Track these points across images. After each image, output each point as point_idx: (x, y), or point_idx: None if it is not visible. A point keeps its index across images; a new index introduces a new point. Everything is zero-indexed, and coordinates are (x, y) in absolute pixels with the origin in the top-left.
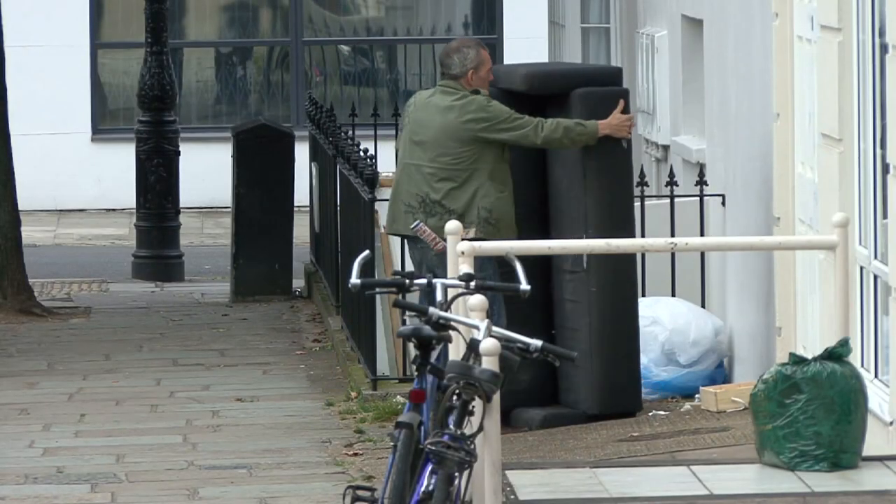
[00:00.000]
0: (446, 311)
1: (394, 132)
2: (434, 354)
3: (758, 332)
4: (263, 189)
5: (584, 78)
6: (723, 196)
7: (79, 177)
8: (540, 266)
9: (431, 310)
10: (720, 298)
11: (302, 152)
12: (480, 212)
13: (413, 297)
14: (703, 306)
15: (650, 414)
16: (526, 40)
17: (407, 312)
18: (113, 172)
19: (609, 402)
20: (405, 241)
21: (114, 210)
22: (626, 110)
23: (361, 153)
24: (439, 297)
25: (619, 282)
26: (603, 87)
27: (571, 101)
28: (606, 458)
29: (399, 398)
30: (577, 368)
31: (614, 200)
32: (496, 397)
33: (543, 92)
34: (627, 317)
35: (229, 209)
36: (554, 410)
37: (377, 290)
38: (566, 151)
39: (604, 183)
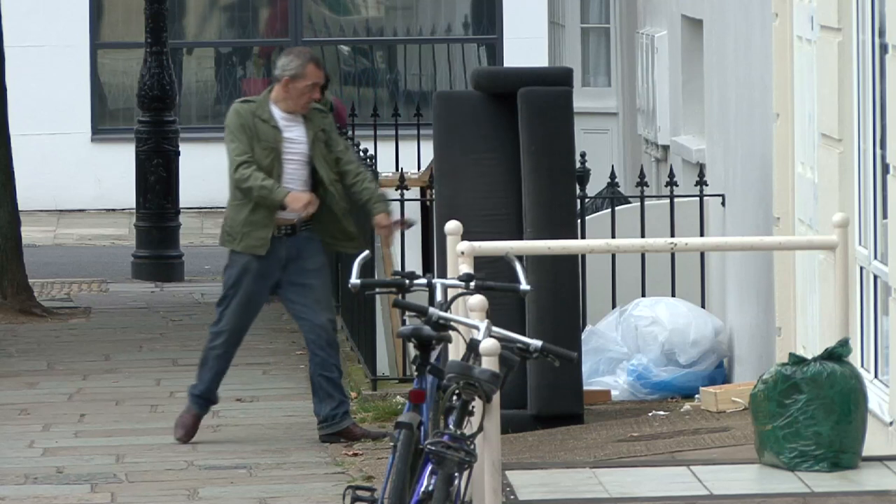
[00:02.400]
0: (446, 311)
1: (394, 132)
2: (434, 354)
3: (758, 332)
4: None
5: (532, 78)
6: (723, 196)
7: (79, 177)
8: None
9: (431, 310)
10: (720, 298)
11: None
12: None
13: (413, 297)
14: (703, 306)
15: (650, 414)
16: (526, 40)
17: (407, 312)
18: (113, 172)
19: (550, 403)
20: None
21: (114, 210)
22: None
23: (361, 153)
24: (439, 297)
25: (559, 282)
26: (547, 87)
27: (518, 100)
28: (606, 458)
29: (399, 398)
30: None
31: (553, 200)
32: (496, 397)
33: (490, 91)
34: (568, 316)
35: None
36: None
37: (377, 290)
38: (527, 155)
39: (543, 184)
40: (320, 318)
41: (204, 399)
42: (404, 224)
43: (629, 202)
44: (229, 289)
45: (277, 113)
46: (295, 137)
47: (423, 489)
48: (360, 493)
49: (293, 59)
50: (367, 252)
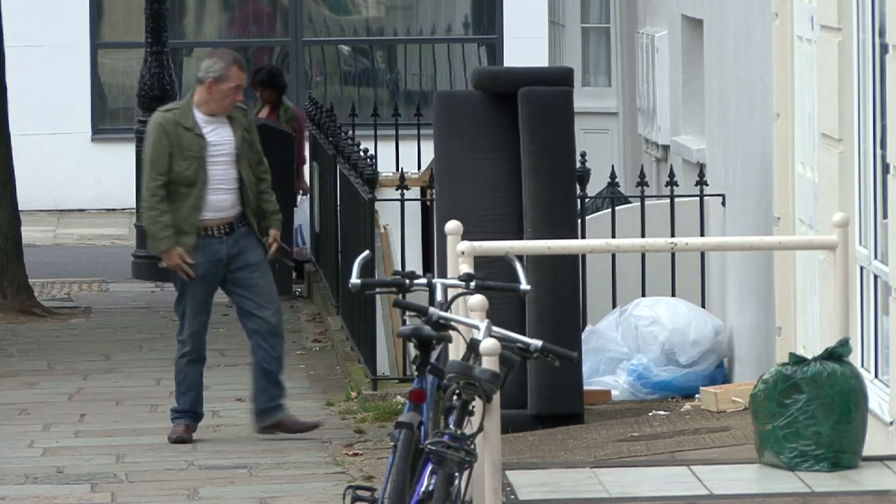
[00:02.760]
0: (446, 310)
1: (394, 132)
2: (434, 354)
3: (758, 332)
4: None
5: (533, 78)
6: (723, 196)
7: (79, 177)
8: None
9: (431, 310)
10: (720, 298)
11: None
12: None
13: (413, 297)
14: (703, 306)
15: (650, 414)
16: (526, 40)
17: (407, 312)
18: (113, 172)
19: (551, 403)
20: None
21: (114, 210)
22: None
23: (361, 153)
24: (439, 297)
25: (560, 282)
26: (548, 87)
27: (518, 100)
28: (606, 458)
29: (399, 398)
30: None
31: (553, 200)
32: (496, 397)
33: (490, 91)
34: (568, 316)
35: None
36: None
37: (377, 290)
38: (528, 154)
39: (543, 183)
40: (264, 311)
41: (191, 413)
42: (279, 250)
43: (629, 202)
44: (179, 293)
45: (200, 118)
46: (220, 140)
47: (423, 489)
48: (360, 493)
49: (217, 62)
50: (367, 252)
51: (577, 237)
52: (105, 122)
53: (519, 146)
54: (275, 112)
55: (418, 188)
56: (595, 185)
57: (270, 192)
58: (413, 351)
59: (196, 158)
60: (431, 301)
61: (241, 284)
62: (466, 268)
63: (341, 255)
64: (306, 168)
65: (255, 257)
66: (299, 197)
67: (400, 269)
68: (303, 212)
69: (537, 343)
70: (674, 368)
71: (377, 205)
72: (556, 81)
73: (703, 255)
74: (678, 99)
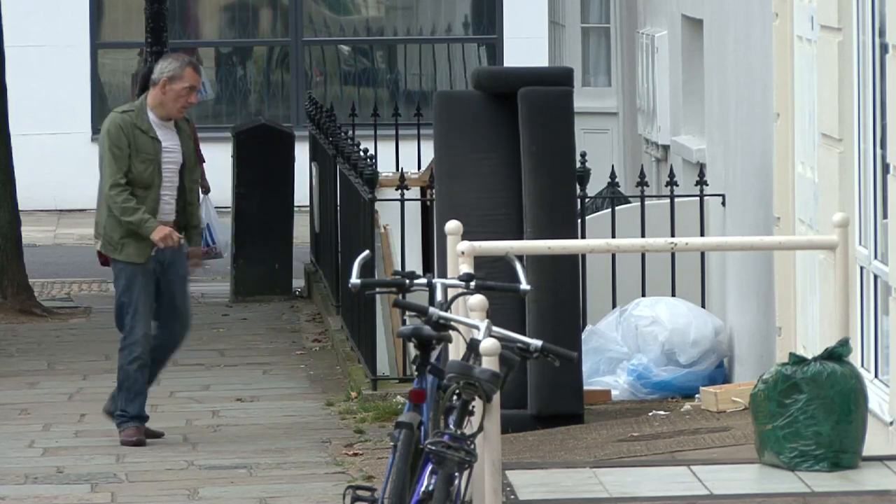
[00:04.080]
0: (446, 310)
1: (394, 132)
2: (434, 354)
3: (758, 332)
4: (263, 189)
5: (533, 78)
6: (723, 196)
7: (79, 177)
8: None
9: (431, 310)
10: (720, 298)
11: (302, 152)
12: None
13: (413, 297)
14: (703, 306)
15: (650, 414)
16: (526, 40)
17: (407, 312)
18: None
19: (550, 403)
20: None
21: None
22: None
23: (361, 153)
24: (439, 297)
25: (560, 282)
26: (548, 87)
27: (518, 100)
28: (606, 458)
29: (399, 398)
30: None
31: (553, 200)
32: (496, 397)
33: (490, 91)
34: (568, 316)
35: (229, 209)
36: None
37: (377, 290)
38: (528, 154)
39: (543, 183)
40: (177, 327)
41: (139, 418)
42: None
43: (629, 202)
44: (124, 296)
45: (154, 121)
46: (170, 146)
47: (423, 489)
48: (360, 493)
49: (172, 62)
50: (367, 252)
51: (577, 237)
52: None
53: (519, 146)
54: None
55: (418, 188)
56: (595, 185)
57: (196, 204)
58: (413, 351)
59: (152, 161)
60: (431, 301)
61: (167, 295)
62: (466, 268)
63: (341, 255)
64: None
65: (182, 270)
66: (201, 196)
67: (400, 269)
68: (207, 211)
69: (537, 343)
70: (674, 368)
71: (377, 205)
72: (556, 81)
73: (703, 255)
74: (678, 99)
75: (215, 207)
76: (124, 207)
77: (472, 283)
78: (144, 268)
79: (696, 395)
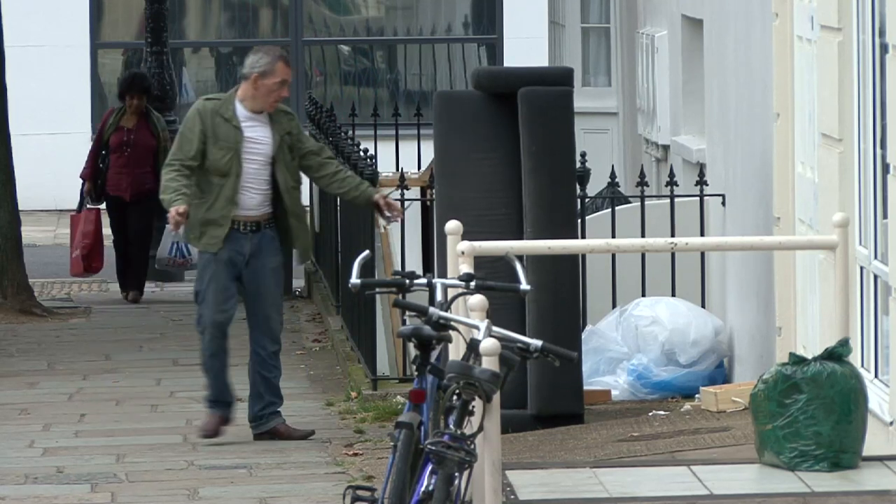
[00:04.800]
0: (446, 310)
1: (394, 132)
2: (434, 354)
3: (758, 332)
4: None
5: (533, 78)
6: (723, 196)
7: (79, 177)
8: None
9: (431, 310)
10: (720, 298)
11: None
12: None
13: (413, 297)
14: (703, 306)
15: (650, 414)
16: (526, 40)
17: (407, 312)
18: None
19: (551, 403)
20: None
21: None
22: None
23: (361, 153)
24: (439, 297)
25: (560, 282)
26: (548, 87)
27: (518, 100)
28: (606, 458)
29: (399, 398)
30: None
31: (553, 200)
32: (496, 397)
33: (490, 91)
34: (568, 316)
35: None
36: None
37: (377, 290)
38: (528, 154)
39: (543, 183)
40: (270, 320)
41: (220, 402)
42: (396, 212)
43: (629, 202)
44: (197, 283)
45: (242, 112)
46: (258, 137)
47: (423, 489)
48: (360, 493)
49: (262, 56)
50: (367, 252)
51: (577, 237)
52: None
53: (519, 146)
54: (145, 121)
55: (418, 188)
56: (595, 185)
57: (346, 170)
58: (413, 351)
59: (231, 150)
60: (431, 301)
61: (250, 287)
62: (466, 268)
63: (341, 255)
64: None
65: (272, 262)
66: None
67: (400, 269)
68: None
69: (537, 343)
70: (674, 368)
71: None
72: (556, 81)
73: (703, 255)
74: (678, 99)
75: None
76: (166, 185)
77: (472, 283)
78: (218, 257)
79: (696, 395)
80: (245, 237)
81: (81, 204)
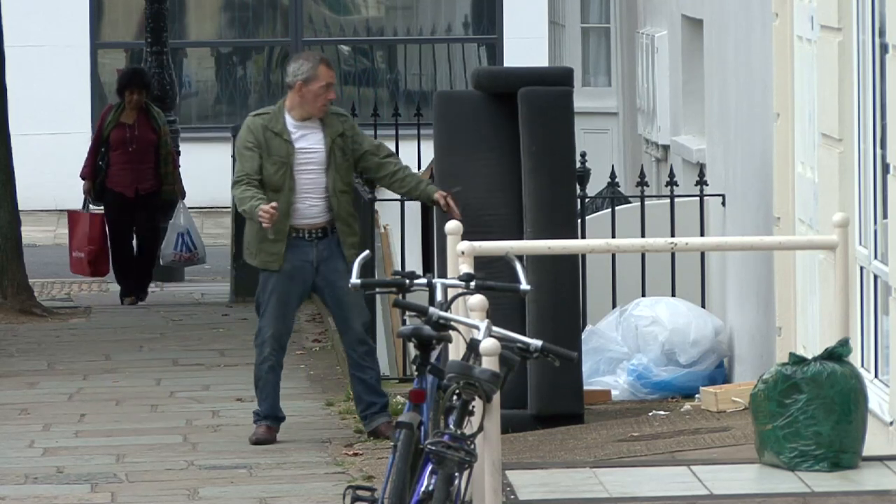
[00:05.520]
0: (446, 310)
1: (394, 132)
2: (434, 354)
3: (758, 332)
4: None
5: (533, 78)
6: (723, 196)
7: (79, 177)
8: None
9: (431, 310)
10: (720, 298)
11: None
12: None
13: (413, 297)
14: (703, 306)
15: (650, 414)
16: (526, 40)
17: (407, 312)
18: None
19: (551, 403)
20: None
21: None
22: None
23: None
24: (439, 297)
25: (560, 282)
26: (548, 87)
27: (518, 100)
28: (606, 458)
29: (399, 398)
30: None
31: (553, 200)
32: (496, 397)
33: (490, 91)
34: (568, 316)
35: (229, 209)
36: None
37: (377, 290)
38: (528, 154)
39: (543, 183)
40: (351, 320)
41: (270, 417)
42: (452, 193)
43: (629, 202)
44: (259, 295)
45: (291, 123)
46: (310, 146)
47: (423, 489)
48: (360, 492)
49: (303, 63)
50: (367, 252)
51: (577, 237)
52: None
53: (519, 146)
54: (145, 116)
55: None
56: (595, 185)
57: (407, 168)
58: (413, 351)
59: (283, 164)
60: (431, 301)
61: (328, 294)
62: (466, 268)
63: None
64: (205, 168)
65: (341, 265)
66: (179, 202)
67: (400, 269)
68: (185, 216)
69: (537, 343)
70: (674, 368)
71: (377, 205)
72: (556, 81)
73: (703, 255)
74: (678, 99)
75: (215, 208)
76: (240, 198)
77: (472, 283)
78: (292, 268)
79: (696, 395)
80: (310, 245)
81: (86, 203)
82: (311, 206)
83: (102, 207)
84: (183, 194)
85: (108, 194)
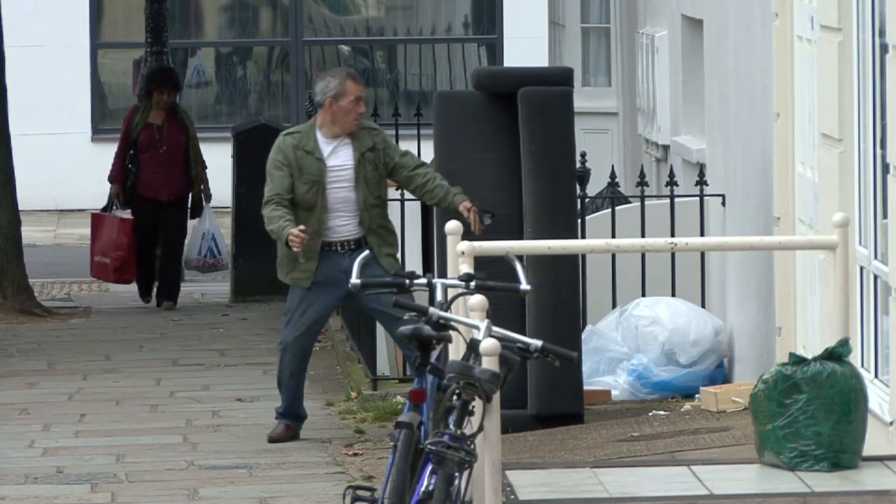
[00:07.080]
0: (446, 311)
1: (394, 132)
2: (434, 354)
3: (758, 332)
4: (264, 189)
5: (533, 78)
6: (723, 196)
7: (79, 177)
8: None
9: (431, 310)
10: (720, 298)
11: None
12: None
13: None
14: (703, 306)
15: (650, 414)
16: (526, 40)
17: (407, 312)
18: None
19: (551, 403)
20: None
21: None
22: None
23: None
24: (439, 297)
25: (560, 282)
26: (548, 87)
27: (518, 100)
28: (606, 458)
29: (399, 398)
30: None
31: (553, 200)
32: (496, 397)
33: (490, 91)
34: (568, 316)
35: (229, 209)
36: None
37: (377, 290)
38: (528, 154)
39: (543, 184)
40: (394, 322)
41: (291, 415)
42: (483, 216)
43: (629, 202)
44: (288, 302)
45: (322, 140)
46: (341, 163)
47: (423, 489)
48: (360, 492)
49: (331, 80)
50: (367, 252)
51: (577, 237)
52: (105, 122)
53: (519, 146)
54: (173, 116)
55: None
56: (595, 185)
57: (436, 178)
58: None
59: (315, 182)
60: (431, 301)
61: (369, 301)
62: (466, 268)
63: None
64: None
65: (378, 272)
66: (204, 205)
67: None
68: (211, 220)
69: (537, 343)
70: (674, 368)
71: None
72: (556, 81)
73: (703, 255)
74: (678, 99)
75: (215, 208)
76: (269, 217)
77: (472, 283)
78: (325, 279)
79: (696, 395)
80: (342, 256)
81: (109, 206)
82: (343, 223)
83: (130, 212)
84: (209, 197)
85: (138, 199)
